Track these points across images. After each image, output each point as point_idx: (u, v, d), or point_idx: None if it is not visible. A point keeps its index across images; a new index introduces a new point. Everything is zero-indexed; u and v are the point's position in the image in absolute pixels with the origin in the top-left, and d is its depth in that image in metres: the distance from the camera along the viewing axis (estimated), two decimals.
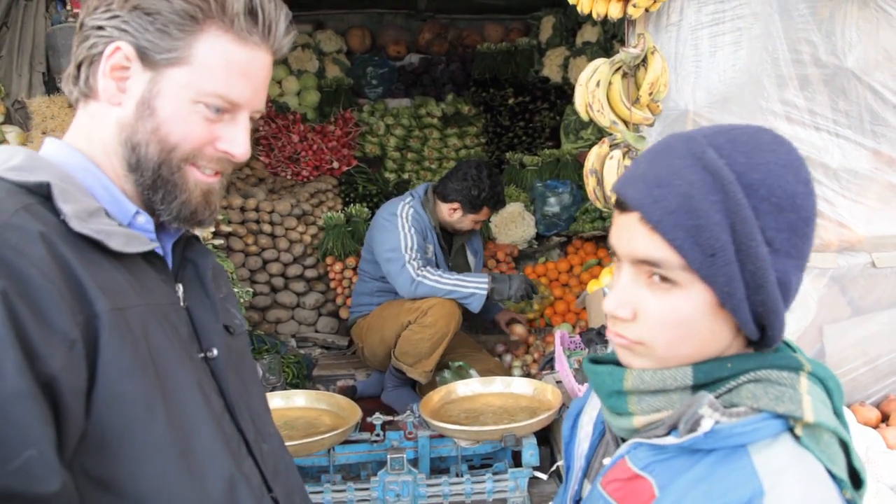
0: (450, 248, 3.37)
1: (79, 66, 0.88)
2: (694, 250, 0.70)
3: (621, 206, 0.78)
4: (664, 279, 0.74)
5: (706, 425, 0.71)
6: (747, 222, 0.69)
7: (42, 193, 0.79)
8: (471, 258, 3.47)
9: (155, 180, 0.89)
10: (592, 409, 0.97)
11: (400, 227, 3.07)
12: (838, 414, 0.76)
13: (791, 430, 0.72)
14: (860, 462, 0.75)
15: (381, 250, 3.09)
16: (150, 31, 0.85)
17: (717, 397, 0.74)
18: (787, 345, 0.82)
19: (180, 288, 0.94)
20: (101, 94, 0.88)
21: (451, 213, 3.20)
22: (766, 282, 0.70)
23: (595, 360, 0.87)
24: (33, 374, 0.68)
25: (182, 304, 0.93)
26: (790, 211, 0.70)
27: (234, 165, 0.98)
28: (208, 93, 0.87)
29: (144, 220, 0.90)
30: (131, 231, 0.86)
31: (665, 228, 0.71)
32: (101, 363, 0.75)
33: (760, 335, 0.76)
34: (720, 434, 0.71)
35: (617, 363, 0.83)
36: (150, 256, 0.89)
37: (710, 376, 0.75)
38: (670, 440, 0.75)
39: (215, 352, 0.94)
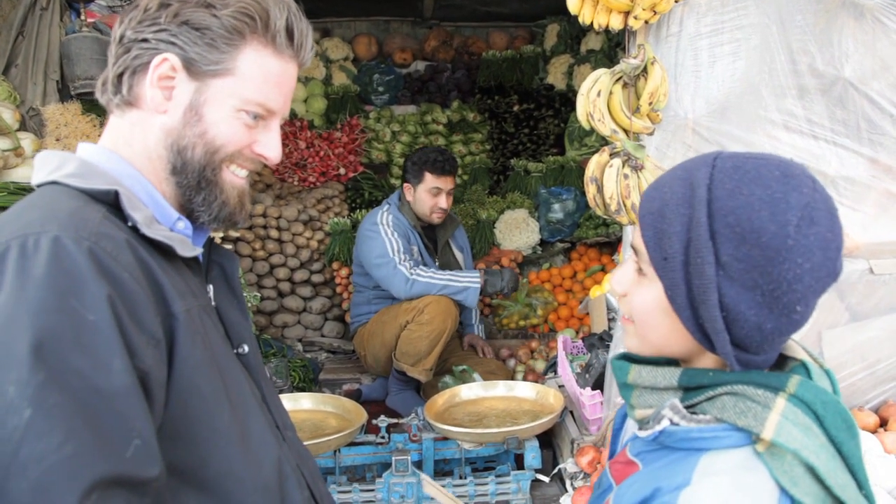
0: (435, 246, 3.41)
1: (120, 76, 0.93)
2: (655, 250, 0.79)
3: None
4: (640, 270, 0.84)
5: (662, 424, 0.80)
6: (701, 240, 0.74)
7: (108, 201, 0.84)
8: (457, 253, 3.52)
9: (199, 181, 0.94)
10: None
11: (383, 233, 3.13)
12: (836, 442, 0.75)
13: (756, 444, 0.75)
14: (846, 493, 0.73)
15: (371, 258, 3.14)
16: (199, 44, 0.90)
17: (697, 403, 0.80)
18: (804, 365, 0.82)
19: (211, 289, 1.00)
20: (146, 103, 0.92)
21: (410, 196, 3.27)
22: (707, 299, 0.75)
23: (627, 358, 0.93)
24: (134, 370, 0.74)
25: (212, 303, 0.99)
26: (752, 245, 0.72)
27: (263, 166, 1.05)
28: (250, 101, 0.94)
29: (184, 225, 0.96)
30: (181, 236, 0.92)
31: (643, 224, 0.81)
32: (176, 359, 0.82)
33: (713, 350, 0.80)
34: (677, 435, 0.79)
35: (640, 362, 0.90)
36: (188, 260, 0.94)
37: (693, 381, 0.81)
38: (640, 433, 0.83)
39: (246, 348, 1.00)
